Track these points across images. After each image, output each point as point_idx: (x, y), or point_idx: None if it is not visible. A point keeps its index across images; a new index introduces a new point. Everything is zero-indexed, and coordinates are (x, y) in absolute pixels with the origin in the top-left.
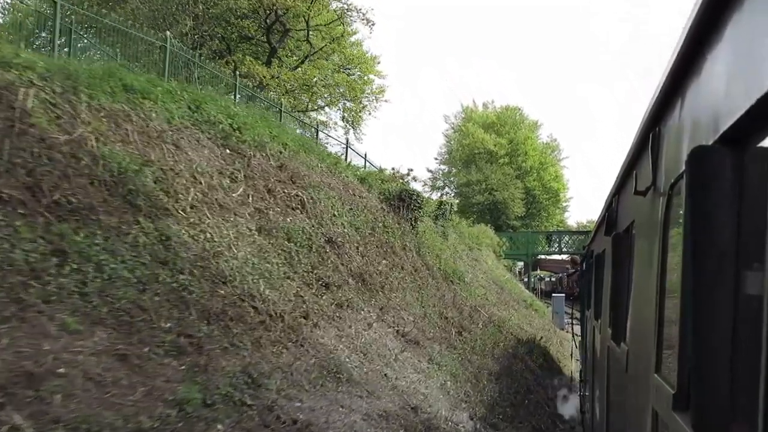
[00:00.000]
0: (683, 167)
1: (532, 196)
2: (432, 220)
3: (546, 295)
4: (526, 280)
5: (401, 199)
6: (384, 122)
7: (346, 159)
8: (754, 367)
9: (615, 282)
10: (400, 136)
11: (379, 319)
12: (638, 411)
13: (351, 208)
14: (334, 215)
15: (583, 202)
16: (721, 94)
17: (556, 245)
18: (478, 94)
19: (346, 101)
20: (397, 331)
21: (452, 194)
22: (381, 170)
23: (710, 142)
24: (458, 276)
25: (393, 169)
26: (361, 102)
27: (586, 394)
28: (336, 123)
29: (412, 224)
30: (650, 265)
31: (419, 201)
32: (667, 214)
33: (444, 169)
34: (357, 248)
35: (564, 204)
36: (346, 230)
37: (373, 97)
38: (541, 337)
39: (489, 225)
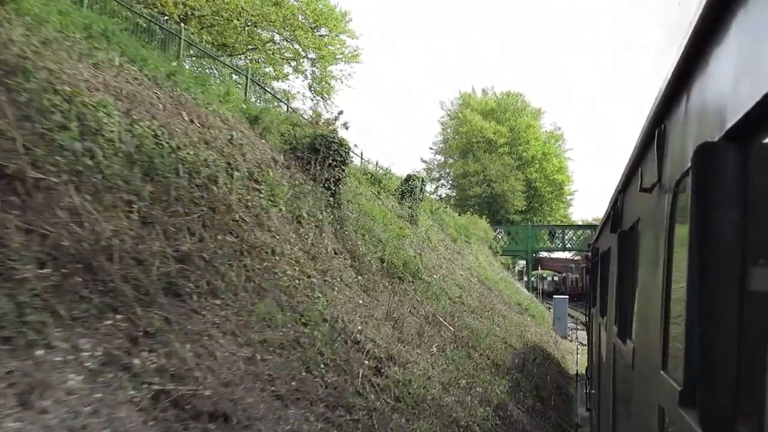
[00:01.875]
0: (689, 164)
1: (533, 189)
2: (396, 198)
3: (548, 297)
4: (525, 279)
5: (314, 150)
6: (368, 97)
7: (245, 96)
8: (760, 364)
9: (621, 279)
10: (381, 105)
11: (109, 365)
12: (645, 408)
13: (155, 135)
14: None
15: (589, 199)
16: (726, 91)
17: (559, 241)
18: (461, 64)
19: (307, 59)
20: (158, 395)
21: (448, 186)
22: (294, 111)
23: (716, 139)
24: (412, 271)
25: (313, 111)
26: (324, 62)
27: (593, 391)
28: (304, 94)
29: (328, 187)
30: (656, 262)
31: (342, 152)
32: (673, 211)
33: (439, 159)
34: (128, 204)
35: (568, 198)
36: (91, 165)
37: (345, 63)
38: (535, 358)
39: (486, 218)
